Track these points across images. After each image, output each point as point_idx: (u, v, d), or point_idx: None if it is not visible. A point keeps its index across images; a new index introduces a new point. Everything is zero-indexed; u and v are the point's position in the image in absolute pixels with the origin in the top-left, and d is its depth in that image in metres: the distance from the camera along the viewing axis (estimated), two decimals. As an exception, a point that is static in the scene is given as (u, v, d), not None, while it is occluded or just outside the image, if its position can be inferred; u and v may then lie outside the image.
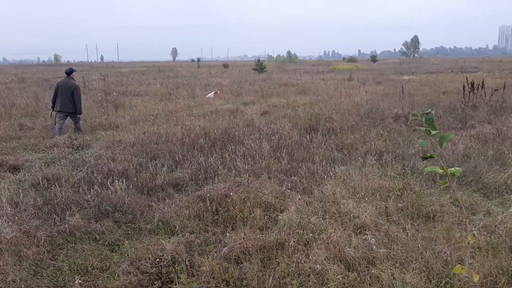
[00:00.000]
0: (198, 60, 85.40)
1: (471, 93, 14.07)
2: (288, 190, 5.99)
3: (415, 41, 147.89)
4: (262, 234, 4.73)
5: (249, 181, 6.20)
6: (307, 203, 5.66)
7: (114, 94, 19.95)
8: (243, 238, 4.53)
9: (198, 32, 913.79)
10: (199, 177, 6.98)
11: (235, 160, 7.65)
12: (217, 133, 9.64)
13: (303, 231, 4.63)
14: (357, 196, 5.79)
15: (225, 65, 67.01)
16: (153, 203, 5.78)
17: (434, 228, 4.94)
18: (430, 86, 22.00)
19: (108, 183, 6.18)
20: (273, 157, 7.87)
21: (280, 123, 11.24)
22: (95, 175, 7.00)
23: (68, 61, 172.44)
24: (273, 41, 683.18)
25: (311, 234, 4.56)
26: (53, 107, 11.62)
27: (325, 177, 6.79)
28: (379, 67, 58.40)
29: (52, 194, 6.05)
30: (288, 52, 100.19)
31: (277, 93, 21.06)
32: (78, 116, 11.71)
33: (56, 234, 4.94)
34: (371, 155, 8.19)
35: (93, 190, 5.93)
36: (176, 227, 5.13)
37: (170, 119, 13.04)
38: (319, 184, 6.46)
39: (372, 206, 5.33)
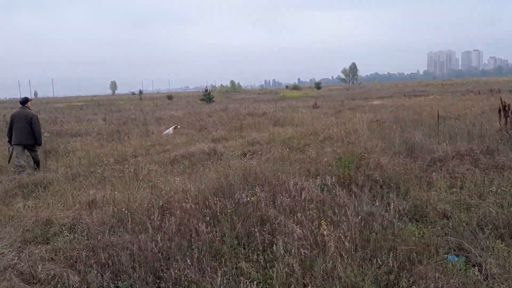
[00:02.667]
0: (140, 92, 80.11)
1: (507, 117, 10.99)
2: None
3: (353, 68, 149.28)
4: None
5: None
6: None
7: (45, 134, 15.19)
8: None
9: (136, 66, 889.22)
10: None
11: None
12: (218, 202, 5.54)
13: None
14: None
15: (169, 97, 62.78)
16: None
17: None
18: (413, 111, 19.13)
19: None
20: (352, 261, 3.93)
21: (292, 170, 7.33)
22: None
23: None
24: (214, 72, 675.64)
25: None
26: (9, 141, 10.24)
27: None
28: (327, 93, 56.48)
29: None
30: (232, 82, 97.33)
31: (248, 125, 17.22)
32: (37, 147, 10.35)
33: None
34: (490, 233, 4.59)
35: None
36: None
37: (127, 171, 8.78)
38: None
39: None
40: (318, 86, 79.61)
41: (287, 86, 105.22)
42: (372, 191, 6.39)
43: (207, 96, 44.64)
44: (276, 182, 6.27)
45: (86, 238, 4.95)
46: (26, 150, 10.16)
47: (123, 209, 5.43)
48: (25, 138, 9.98)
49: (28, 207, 6.72)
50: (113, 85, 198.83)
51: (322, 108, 25.14)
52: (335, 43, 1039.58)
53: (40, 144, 10.36)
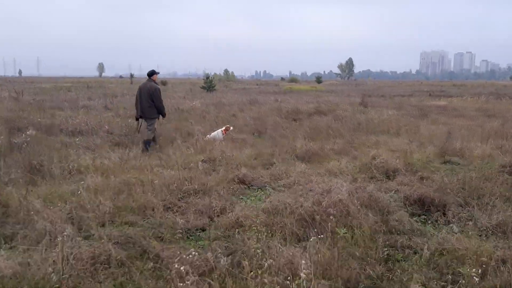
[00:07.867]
0: (131, 76, 73.24)
1: None
2: None
3: (349, 63, 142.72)
4: None
5: None
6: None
7: (29, 132, 9.47)
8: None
9: (123, 50, 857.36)
10: None
11: None
12: None
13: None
14: None
15: (164, 82, 56.19)
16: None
17: None
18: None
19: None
20: None
21: None
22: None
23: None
24: (202, 60, 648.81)
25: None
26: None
27: None
28: (336, 88, 51.18)
29: None
30: (226, 71, 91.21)
31: (325, 130, 11.77)
32: (156, 119, 9.68)
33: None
34: None
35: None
36: None
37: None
38: None
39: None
40: (319, 80, 74.16)
41: (282, 78, 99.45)
42: None
43: (209, 84, 38.74)
44: None
45: None
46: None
47: None
48: (145, 111, 9.62)
49: None
50: (101, 67, 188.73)
51: (376, 107, 19.84)
52: (326, 38, 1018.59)
53: (164, 116, 9.97)
